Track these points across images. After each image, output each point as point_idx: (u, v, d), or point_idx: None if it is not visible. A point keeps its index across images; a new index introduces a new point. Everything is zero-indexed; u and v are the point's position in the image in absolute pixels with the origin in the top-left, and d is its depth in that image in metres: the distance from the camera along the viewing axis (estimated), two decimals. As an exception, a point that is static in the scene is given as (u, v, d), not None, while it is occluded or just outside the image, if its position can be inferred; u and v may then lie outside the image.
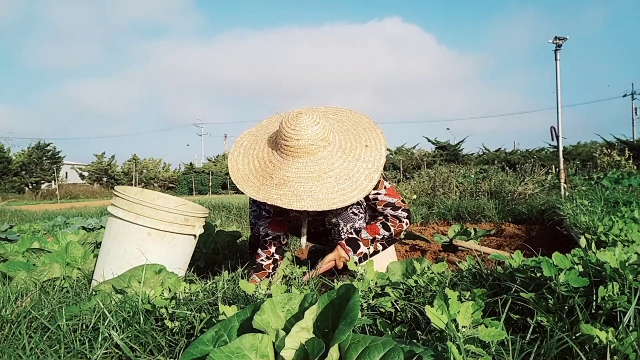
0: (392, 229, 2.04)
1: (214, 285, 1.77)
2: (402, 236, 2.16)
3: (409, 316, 1.40)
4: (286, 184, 1.78)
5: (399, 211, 2.05)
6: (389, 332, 1.27)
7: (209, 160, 37.64)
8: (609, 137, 23.39)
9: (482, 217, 4.96)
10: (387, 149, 1.94)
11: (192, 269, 2.34)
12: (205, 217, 2.21)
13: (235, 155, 1.99)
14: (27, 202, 21.90)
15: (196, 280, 2.01)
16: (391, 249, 2.22)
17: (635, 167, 14.60)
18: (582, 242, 1.64)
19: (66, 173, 40.64)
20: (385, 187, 2.05)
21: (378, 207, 2.06)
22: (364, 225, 2.07)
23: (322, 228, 2.18)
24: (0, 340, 1.44)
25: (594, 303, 1.19)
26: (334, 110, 2.13)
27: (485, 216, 4.96)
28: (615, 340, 0.97)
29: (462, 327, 1.05)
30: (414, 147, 28.03)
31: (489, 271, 1.63)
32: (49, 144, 32.31)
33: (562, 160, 6.36)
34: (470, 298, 1.28)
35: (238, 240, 3.11)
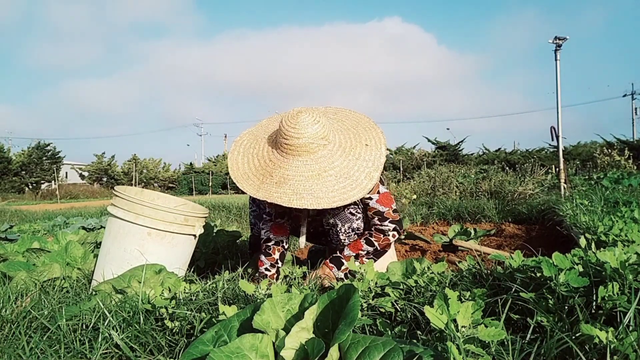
0: (375, 244, 2.01)
1: (214, 285, 1.77)
2: (401, 237, 2.15)
3: (409, 316, 1.40)
4: (286, 182, 1.78)
5: (386, 222, 1.99)
6: (389, 332, 1.27)
7: (209, 160, 37.64)
8: (609, 137, 23.44)
9: (482, 217, 4.96)
10: (387, 149, 1.93)
11: (192, 269, 2.33)
12: (205, 217, 2.21)
13: (235, 154, 1.99)
14: (27, 202, 21.90)
15: (196, 280, 2.01)
16: (391, 249, 2.22)
17: (635, 167, 14.61)
18: (582, 242, 1.64)
19: (66, 173, 40.63)
20: (379, 192, 1.98)
21: (368, 213, 2.02)
22: (362, 225, 2.06)
23: (321, 228, 2.17)
24: (0, 340, 1.44)
25: (594, 303, 1.19)
26: (334, 110, 2.13)
27: (485, 216, 4.96)
28: (615, 340, 0.97)
29: (462, 327, 1.05)
30: (414, 147, 28.05)
31: (489, 271, 1.62)
32: (49, 144, 32.33)
33: (562, 160, 6.37)
34: (470, 298, 1.28)
35: (238, 240, 3.11)
